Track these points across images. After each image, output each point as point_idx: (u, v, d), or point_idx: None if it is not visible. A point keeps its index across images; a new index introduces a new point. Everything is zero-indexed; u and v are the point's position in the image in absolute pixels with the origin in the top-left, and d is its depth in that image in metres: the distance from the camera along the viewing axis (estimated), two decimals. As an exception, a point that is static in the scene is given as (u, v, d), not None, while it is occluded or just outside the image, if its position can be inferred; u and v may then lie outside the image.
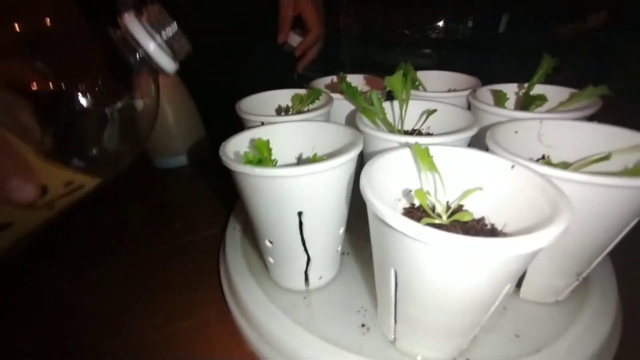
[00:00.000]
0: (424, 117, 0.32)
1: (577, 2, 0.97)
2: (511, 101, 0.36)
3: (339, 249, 0.30)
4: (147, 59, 0.23)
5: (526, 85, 0.34)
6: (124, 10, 0.23)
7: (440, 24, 1.31)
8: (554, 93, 0.34)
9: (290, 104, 0.38)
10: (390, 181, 0.23)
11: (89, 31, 0.24)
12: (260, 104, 0.37)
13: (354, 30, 1.41)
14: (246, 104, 0.36)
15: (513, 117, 0.29)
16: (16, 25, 0.21)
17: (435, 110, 0.31)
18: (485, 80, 0.38)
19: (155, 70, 0.24)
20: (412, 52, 1.36)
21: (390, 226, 0.17)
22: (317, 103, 0.35)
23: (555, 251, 0.24)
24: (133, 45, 0.23)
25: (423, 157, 0.22)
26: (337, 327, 0.25)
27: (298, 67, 0.67)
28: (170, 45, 0.24)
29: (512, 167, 0.21)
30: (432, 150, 0.22)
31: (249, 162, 0.24)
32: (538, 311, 0.26)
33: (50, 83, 0.21)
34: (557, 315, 0.26)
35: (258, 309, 0.27)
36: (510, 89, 0.36)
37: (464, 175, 0.23)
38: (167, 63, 0.24)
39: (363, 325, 0.26)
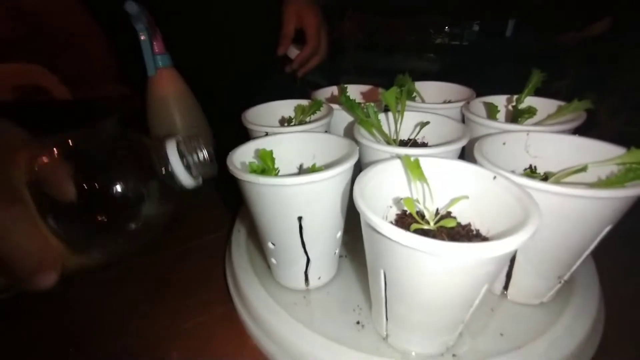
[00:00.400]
0: (419, 127, 0.34)
1: (580, 11, 0.98)
2: (502, 113, 0.38)
3: (337, 251, 0.32)
4: (174, 175, 0.30)
5: (516, 97, 0.36)
6: (167, 139, 0.30)
7: (445, 29, 1.32)
8: (543, 105, 0.35)
9: (293, 115, 0.40)
10: (383, 190, 0.25)
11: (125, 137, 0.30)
12: (264, 114, 0.39)
13: (358, 36, 1.43)
14: (251, 114, 0.38)
15: (502, 129, 0.31)
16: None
17: (428, 123, 0.33)
18: (485, 86, 0.40)
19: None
20: (416, 57, 1.38)
21: (378, 232, 0.19)
22: (318, 114, 0.38)
23: (535, 255, 0.26)
24: (165, 163, 0.29)
25: (412, 168, 0.23)
26: (335, 324, 0.27)
27: (298, 74, 0.71)
28: (198, 167, 0.31)
29: (494, 177, 0.23)
30: (422, 162, 0.24)
31: (254, 171, 0.26)
32: (523, 312, 0.28)
33: (88, 184, 0.26)
34: (540, 316, 0.27)
35: (261, 306, 0.29)
36: (502, 101, 0.38)
37: (452, 184, 0.25)
38: (189, 183, 0.31)
39: (358, 323, 0.28)
